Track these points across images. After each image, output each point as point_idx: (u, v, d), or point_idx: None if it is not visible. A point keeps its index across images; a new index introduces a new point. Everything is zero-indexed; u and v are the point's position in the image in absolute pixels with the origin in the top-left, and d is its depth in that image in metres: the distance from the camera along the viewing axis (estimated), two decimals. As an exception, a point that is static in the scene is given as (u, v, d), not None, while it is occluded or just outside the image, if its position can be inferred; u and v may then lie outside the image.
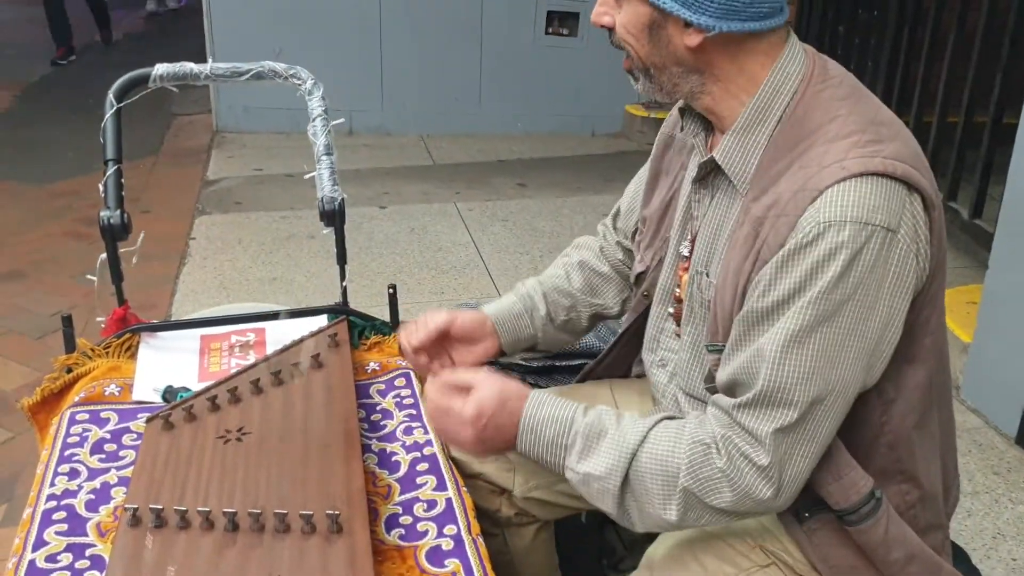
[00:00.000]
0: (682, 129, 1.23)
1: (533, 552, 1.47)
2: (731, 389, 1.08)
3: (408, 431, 1.38)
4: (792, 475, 1.05)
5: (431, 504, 1.23)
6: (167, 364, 1.55)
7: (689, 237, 1.23)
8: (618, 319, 1.53)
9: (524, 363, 1.78)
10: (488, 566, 1.14)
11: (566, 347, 1.64)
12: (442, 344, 1.38)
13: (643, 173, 1.41)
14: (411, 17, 5.12)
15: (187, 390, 1.45)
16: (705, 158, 1.16)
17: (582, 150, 5.18)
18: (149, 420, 1.33)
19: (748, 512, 1.08)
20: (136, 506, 1.10)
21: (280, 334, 1.61)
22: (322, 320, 1.63)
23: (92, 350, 1.58)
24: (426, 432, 1.38)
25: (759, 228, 1.05)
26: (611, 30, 1.13)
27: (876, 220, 0.98)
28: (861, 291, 0.99)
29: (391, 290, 1.72)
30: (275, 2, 4.99)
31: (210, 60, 1.70)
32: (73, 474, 1.29)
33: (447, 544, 1.16)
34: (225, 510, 1.09)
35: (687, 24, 1.05)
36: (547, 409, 1.15)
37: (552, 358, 1.74)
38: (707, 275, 1.17)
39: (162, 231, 3.79)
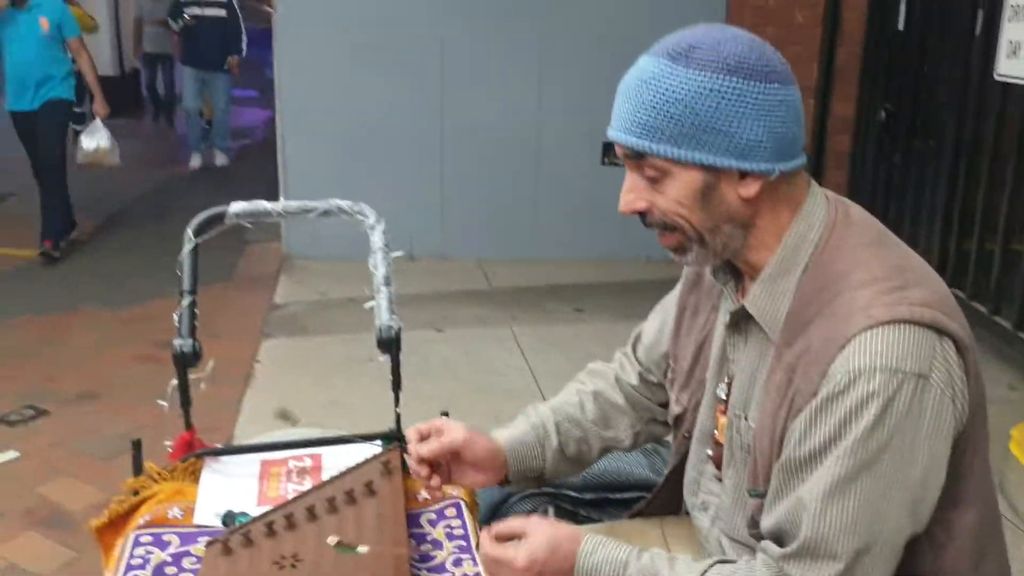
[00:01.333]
0: (712, 274, 1.24)
1: None
2: (777, 537, 1.08)
3: (458, 563, 1.40)
4: None
5: (479, 638, 1.24)
6: (228, 488, 1.60)
7: (726, 380, 1.24)
8: (629, 451, 1.52)
9: (577, 495, 1.79)
10: None
11: (591, 472, 1.64)
12: (447, 458, 1.39)
13: (668, 305, 1.43)
14: (471, 146, 5.35)
15: (246, 515, 1.50)
16: (736, 307, 1.19)
17: (636, 276, 5.25)
18: (209, 544, 1.37)
19: None
20: (192, 631, 1.13)
21: (336, 460, 1.66)
22: (376, 447, 1.67)
23: (158, 473, 1.64)
24: (475, 564, 1.39)
25: (792, 375, 1.07)
26: (643, 214, 1.14)
27: (906, 367, 1.00)
28: (898, 439, 1.00)
29: (443, 417, 1.76)
30: (344, 132, 5.26)
31: (283, 195, 1.83)
32: (134, 597, 1.33)
33: None
34: (277, 637, 1.11)
35: (743, 176, 1.08)
36: (601, 552, 1.16)
37: (605, 490, 1.74)
38: (745, 419, 1.18)
39: (229, 354, 3.91)
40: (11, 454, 3.21)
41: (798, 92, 1.10)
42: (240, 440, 3.06)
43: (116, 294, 4.97)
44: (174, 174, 8.24)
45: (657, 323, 1.46)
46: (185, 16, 8.12)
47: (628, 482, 1.69)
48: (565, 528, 1.19)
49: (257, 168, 8.06)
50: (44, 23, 5.38)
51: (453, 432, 1.37)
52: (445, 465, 1.40)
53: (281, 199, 1.83)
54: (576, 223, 5.45)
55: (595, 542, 1.17)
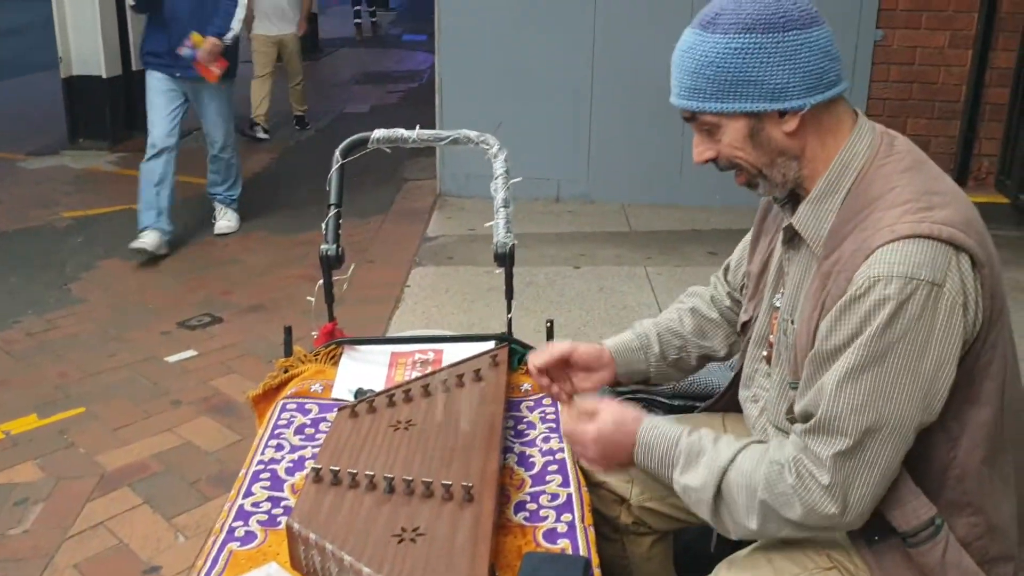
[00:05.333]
0: (775, 200, 1.39)
1: (649, 561, 1.64)
2: (804, 419, 1.22)
3: (547, 439, 1.62)
4: (857, 497, 1.17)
5: (554, 496, 1.46)
6: (362, 371, 1.88)
7: (782, 290, 1.39)
8: (726, 360, 1.68)
9: (667, 401, 1.97)
10: (593, 550, 1.34)
11: (681, 383, 1.80)
12: (564, 369, 1.58)
13: (750, 233, 1.58)
14: (619, 92, 5.45)
15: (374, 392, 1.77)
16: (786, 224, 1.33)
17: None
18: (339, 410, 1.64)
19: (818, 526, 1.21)
20: (320, 467, 1.41)
21: (454, 355, 1.90)
22: (489, 345, 1.90)
23: (305, 356, 1.94)
24: (561, 441, 1.60)
25: (826, 281, 1.21)
26: (715, 160, 1.31)
27: (921, 275, 1.12)
28: (910, 337, 1.13)
29: (549, 324, 1.97)
30: (497, 79, 5.49)
31: (438, 126, 2.07)
32: (279, 447, 1.63)
33: (562, 528, 1.38)
34: (385, 475, 1.37)
35: (781, 114, 1.23)
36: (658, 430, 1.34)
37: (693, 399, 1.91)
38: (792, 322, 1.33)
39: (382, 278, 4.26)
40: (190, 352, 3.68)
41: (822, 31, 1.22)
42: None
43: (288, 220, 5.42)
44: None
45: (741, 248, 1.64)
46: None
47: (713, 393, 1.85)
48: (631, 410, 1.38)
49: (421, 113, 8.43)
50: None
51: (560, 344, 1.58)
52: (565, 376, 1.59)
53: (416, 129, 2.07)
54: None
55: (654, 422, 1.35)
